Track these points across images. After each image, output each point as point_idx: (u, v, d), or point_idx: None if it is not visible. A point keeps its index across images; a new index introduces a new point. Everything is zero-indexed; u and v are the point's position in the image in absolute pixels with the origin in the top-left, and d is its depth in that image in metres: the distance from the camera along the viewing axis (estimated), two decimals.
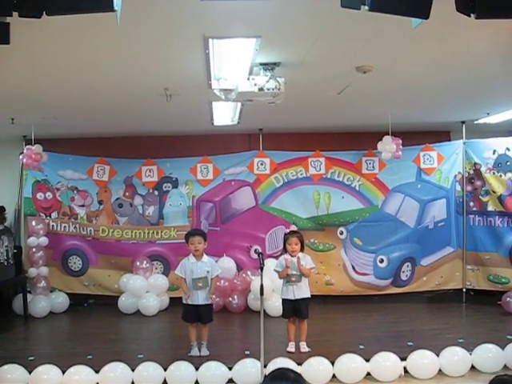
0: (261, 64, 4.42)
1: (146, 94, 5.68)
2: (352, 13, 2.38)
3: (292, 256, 6.28)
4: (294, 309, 6.24)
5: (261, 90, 4.38)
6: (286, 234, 6.59)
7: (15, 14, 2.26)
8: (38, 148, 7.78)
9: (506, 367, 5.73)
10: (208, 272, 6.25)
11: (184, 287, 6.26)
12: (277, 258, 8.59)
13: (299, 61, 4.45)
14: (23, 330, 7.81)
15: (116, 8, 2.24)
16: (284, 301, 6.36)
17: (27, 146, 7.81)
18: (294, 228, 6.51)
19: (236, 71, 4.50)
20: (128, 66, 4.62)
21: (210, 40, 3.82)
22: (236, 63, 4.40)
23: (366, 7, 2.25)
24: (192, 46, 3.97)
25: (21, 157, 7.75)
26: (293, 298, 6.22)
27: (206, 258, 6.37)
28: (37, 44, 3.87)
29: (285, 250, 6.44)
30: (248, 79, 4.40)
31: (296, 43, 4.05)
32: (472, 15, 2.16)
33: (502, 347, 5.83)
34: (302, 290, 6.25)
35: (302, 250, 6.39)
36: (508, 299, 7.85)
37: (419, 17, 2.27)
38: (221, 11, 3.29)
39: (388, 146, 7.81)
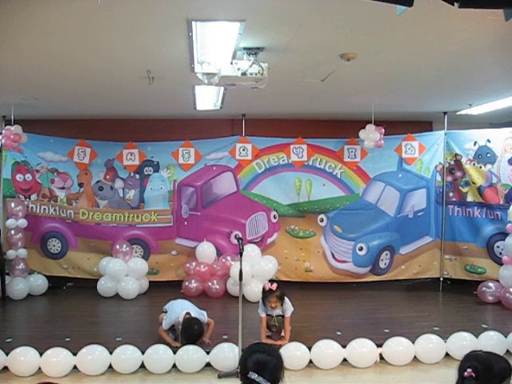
0: (244, 48, 4.39)
1: (128, 76, 5.63)
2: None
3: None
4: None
5: (244, 74, 4.35)
6: (265, 291, 6.10)
7: None
8: (17, 129, 7.69)
9: None
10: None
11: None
12: (257, 243, 8.70)
13: (283, 46, 4.44)
14: (1, 312, 7.78)
15: None
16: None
17: (6, 127, 7.71)
18: (273, 287, 5.99)
19: (219, 55, 4.47)
20: (110, 48, 4.57)
21: (194, 23, 3.78)
22: (219, 47, 4.37)
23: None
24: (175, 29, 3.94)
25: (0, 137, 7.66)
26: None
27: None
28: (18, 24, 3.81)
29: (263, 303, 6.13)
30: (231, 63, 4.37)
31: (280, 28, 4.03)
32: (456, 4, 2.16)
33: (477, 335, 5.94)
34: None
35: (281, 301, 6.12)
36: (484, 289, 7.96)
37: (403, 4, 2.27)
38: None
39: (371, 134, 7.85)
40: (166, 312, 6.25)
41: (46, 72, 5.45)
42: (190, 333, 5.84)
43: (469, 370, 2.52)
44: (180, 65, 4.96)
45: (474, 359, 2.63)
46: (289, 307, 6.12)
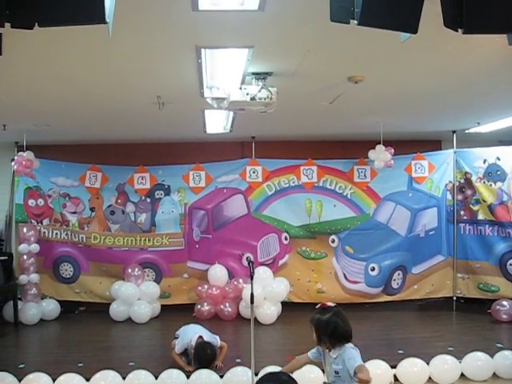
0: (253, 73, 4.44)
1: (139, 102, 5.69)
2: (343, 25, 2.41)
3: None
4: None
5: (253, 99, 4.40)
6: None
7: (7, 24, 2.27)
8: (29, 155, 7.78)
9: (495, 375, 5.78)
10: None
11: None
12: (269, 265, 8.69)
13: (291, 71, 4.48)
14: (14, 337, 7.78)
15: (108, 20, 2.25)
16: None
17: (19, 153, 7.80)
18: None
19: (228, 80, 4.53)
20: (121, 75, 4.64)
21: (203, 50, 3.84)
22: (228, 72, 4.43)
23: (355, 21, 2.27)
24: (185, 56, 3.99)
25: (12, 163, 7.74)
26: None
27: None
28: (30, 53, 3.88)
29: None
30: (240, 88, 4.42)
31: (288, 54, 4.07)
32: (460, 30, 2.20)
33: (492, 355, 5.88)
34: None
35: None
36: (498, 307, 7.89)
37: (407, 31, 2.30)
38: (213, 22, 3.31)
39: (381, 154, 7.86)
40: (177, 337, 6.25)
41: (57, 99, 5.52)
42: (202, 357, 5.83)
43: None
44: (190, 90, 5.01)
45: None
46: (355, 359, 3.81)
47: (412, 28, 2.24)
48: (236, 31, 3.50)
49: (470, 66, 4.42)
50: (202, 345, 5.90)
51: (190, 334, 6.06)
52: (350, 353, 3.82)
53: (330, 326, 3.83)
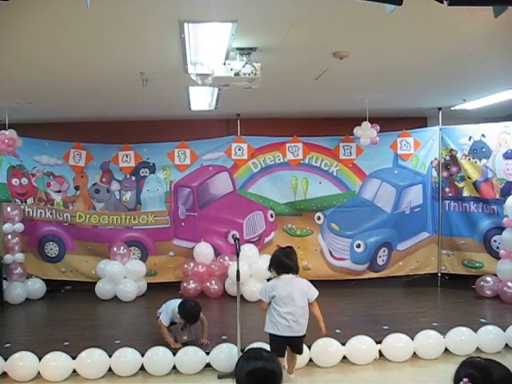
0: (237, 49, 4.39)
1: (121, 78, 5.62)
2: None
3: None
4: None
5: (237, 74, 4.35)
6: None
7: None
8: (11, 133, 7.66)
9: (478, 350, 5.86)
10: None
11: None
12: (254, 243, 8.70)
13: (276, 46, 4.43)
14: None
15: None
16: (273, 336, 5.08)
17: (1, 131, 7.69)
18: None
19: (212, 56, 4.47)
20: (103, 51, 4.56)
21: (186, 24, 3.77)
22: (212, 48, 4.36)
23: None
24: (167, 31, 3.92)
25: None
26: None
27: None
28: (11, 29, 3.80)
29: (276, 272, 5.10)
30: (224, 64, 4.37)
31: (272, 28, 4.02)
32: (445, 2, 2.16)
33: (475, 330, 5.96)
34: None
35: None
36: (482, 283, 7.98)
37: (392, 3, 2.27)
38: None
39: (368, 131, 7.85)
40: (160, 314, 6.22)
41: (39, 75, 5.43)
42: (187, 307, 5.92)
43: (465, 379, 2.27)
44: (173, 66, 4.95)
45: (471, 366, 2.34)
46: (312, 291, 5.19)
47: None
48: (219, 5, 3.45)
49: (456, 40, 4.39)
50: (184, 301, 6.05)
51: (173, 304, 6.10)
52: (269, 283, 5.17)
53: (274, 258, 5.13)
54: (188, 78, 4.99)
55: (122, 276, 8.36)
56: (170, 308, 6.07)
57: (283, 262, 5.03)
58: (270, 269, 5.12)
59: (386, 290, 8.71)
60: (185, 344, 5.84)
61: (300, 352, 5.20)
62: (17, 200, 8.71)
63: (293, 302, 4.96)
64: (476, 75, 6.01)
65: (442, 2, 2.13)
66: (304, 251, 8.89)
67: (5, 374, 5.44)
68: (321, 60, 4.98)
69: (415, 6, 2.80)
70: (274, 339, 5.02)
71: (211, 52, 4.44)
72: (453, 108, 8.36)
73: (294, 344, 5.07)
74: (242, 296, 5.79)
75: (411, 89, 6.90)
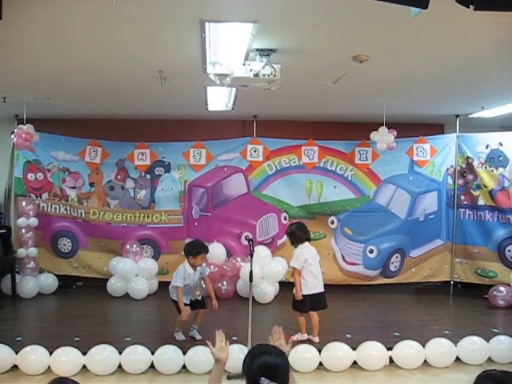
0: (257, 50, 4.38)
1: (140, 76, 5.62)
2: (350, 1, 2.36)
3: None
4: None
5: (256, 75, 4.35)
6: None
7: None
8: (29, 128, 7.70)
9: (490, 360, 5.80)
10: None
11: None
12: (267, 245, 8.68)
13: (296, 48, 4.42)
14: (11, 310, 7.80)
15: None
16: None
17: (18, 126, 7.74)
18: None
19: (232, 56, 4.46)
20: (123, 48, 4.57)
21: (207, 24, 3.78)
22: (232, 48, 4.36)
23: None
24: (188, 30, 3.93)
25: (12, 136, 7.69)
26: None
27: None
28: (31, 23, 3.82)
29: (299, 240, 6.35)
30: (243, 64, 4.36)
31: (293, 30, 4.02)
32: (471, 6, 2.15)
33: (487, 340, 5.91)
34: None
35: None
36: (495, 293, 7.91)
37: (418, 6, 2.25)
38: None
39: (385, 136, 7.80)
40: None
41: (58, 71, 5.45)
42: (192, 243, 6.59)
43: None
44: (192, 65, 4.95)
45: (489, 379, 2.28)
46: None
47: (422, 2, 2.18)
48: (241, 4, 3.45)
49: (477, 46, 4.36)
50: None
51: (179, 267, 6.27)
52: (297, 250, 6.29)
53: (291, 229, 6.43)
54: (206, 78, 4.98)
55: (133, 274, 8.37)
56: (179, 270, 6.21)
57: (306, 231, 6.35)
58: (293, 241, 6.35)
59: (397, 296, 8.66)
60: (195, 344, 5.82)
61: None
62: (32, 195, 8.76)
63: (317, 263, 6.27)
64: (496, 83, 5.96)
65: (469, 7, 2.11)
66: None
67: (15, 367, 5.47)
68: (340, 63, 4.96)
69: (438, 10, 2.78)
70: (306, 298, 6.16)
71: (231, 52, 4.43)
72: (470, 116, 8.30)
73: (320, 300, 6.28)
74: (253, 298, 5.79)
75: (430, 95, 6.85)
